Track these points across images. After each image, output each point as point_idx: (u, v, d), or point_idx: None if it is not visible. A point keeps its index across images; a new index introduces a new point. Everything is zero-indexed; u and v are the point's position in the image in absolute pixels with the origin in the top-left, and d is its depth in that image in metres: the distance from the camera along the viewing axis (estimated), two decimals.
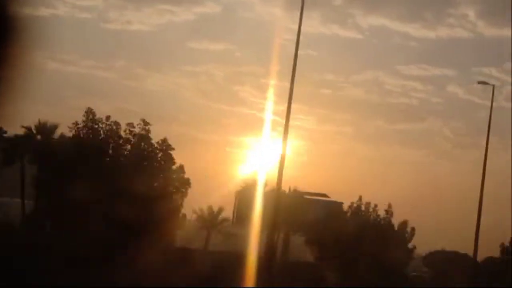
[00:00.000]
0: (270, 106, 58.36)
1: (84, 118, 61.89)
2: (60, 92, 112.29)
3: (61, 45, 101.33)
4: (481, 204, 63.03)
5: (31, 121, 65.59)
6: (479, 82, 67.65)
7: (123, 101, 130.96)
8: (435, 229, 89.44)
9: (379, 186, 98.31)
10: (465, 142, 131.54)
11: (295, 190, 71.24)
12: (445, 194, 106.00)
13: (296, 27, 50.51)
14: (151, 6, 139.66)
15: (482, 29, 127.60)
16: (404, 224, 69.92)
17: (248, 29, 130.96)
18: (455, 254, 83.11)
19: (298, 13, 51.34)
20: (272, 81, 60.74)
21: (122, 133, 61.91)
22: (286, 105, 49.73)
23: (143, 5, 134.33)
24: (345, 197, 76.27)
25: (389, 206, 69.55)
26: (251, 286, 48.60)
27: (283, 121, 49.92)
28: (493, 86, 62.95)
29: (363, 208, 69.26)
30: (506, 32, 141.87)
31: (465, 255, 78.64)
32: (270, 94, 62.98)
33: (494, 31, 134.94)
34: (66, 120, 64.97)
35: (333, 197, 79.36)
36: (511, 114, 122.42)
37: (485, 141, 65.16)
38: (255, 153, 63.60)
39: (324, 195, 78.14)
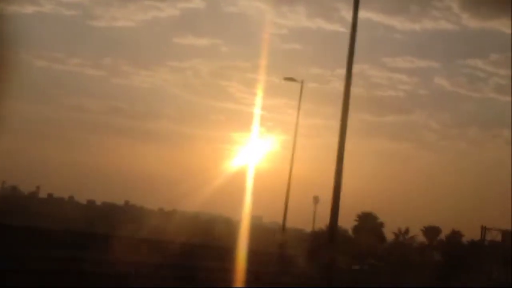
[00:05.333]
0: (259, 101, 58.03)
1: None
2: (49, 91, 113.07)
3: (47, 43, 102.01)
4: None
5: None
6: (286, 79, 56.36)
7: (112, 99, 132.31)
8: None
9: (364, 179, 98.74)
10: (451, 134, 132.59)
11: None
12: (430, 185, 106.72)
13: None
14: (136, 2, 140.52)
15: (467, 21, 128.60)
16: None
17: (233, 24, 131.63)
18: None
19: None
20: (260, 76, 60.56)
21: None
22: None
23: (128, 1, 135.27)
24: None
25: None
26: None
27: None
28: (302, 81, 55.76)
29: None
30: (490, 24, 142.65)
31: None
32: (259, 89, 62.81)
33: (478, 23, 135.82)
34: (56, 119, 64.34)
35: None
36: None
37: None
38: (244, 148, 63.07)
39: None
